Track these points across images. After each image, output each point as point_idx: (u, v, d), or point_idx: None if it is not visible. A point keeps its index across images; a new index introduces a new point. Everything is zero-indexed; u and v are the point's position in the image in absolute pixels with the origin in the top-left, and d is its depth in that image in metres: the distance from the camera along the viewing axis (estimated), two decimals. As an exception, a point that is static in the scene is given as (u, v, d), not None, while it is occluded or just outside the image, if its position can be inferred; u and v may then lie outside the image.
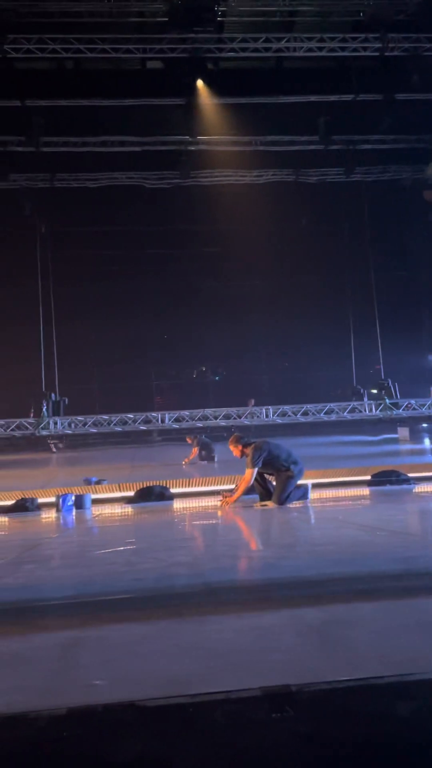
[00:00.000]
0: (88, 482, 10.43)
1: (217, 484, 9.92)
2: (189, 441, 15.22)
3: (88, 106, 16.15)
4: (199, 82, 15.80)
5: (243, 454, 7.83)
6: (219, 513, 7.56)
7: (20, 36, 14.32)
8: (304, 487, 8.03)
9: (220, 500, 8.10)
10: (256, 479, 7.88)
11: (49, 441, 18.56)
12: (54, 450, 18.64)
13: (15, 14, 14.03)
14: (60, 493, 8.96)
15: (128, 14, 14.64)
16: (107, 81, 15.99)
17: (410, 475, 9.81)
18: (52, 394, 19.01)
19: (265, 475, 7.93)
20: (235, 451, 7.98)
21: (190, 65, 15.24)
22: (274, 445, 7.91)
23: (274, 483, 7.81)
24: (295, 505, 7.72)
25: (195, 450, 14.49)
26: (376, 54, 15.14)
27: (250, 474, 7.65)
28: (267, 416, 19.06)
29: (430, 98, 16.44)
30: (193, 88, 15.77)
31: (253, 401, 19.34)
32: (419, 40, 15.00)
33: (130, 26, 15.00)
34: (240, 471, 10.20)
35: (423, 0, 14.37)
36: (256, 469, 7.64)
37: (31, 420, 18.39)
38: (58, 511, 8.58)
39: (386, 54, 15.05)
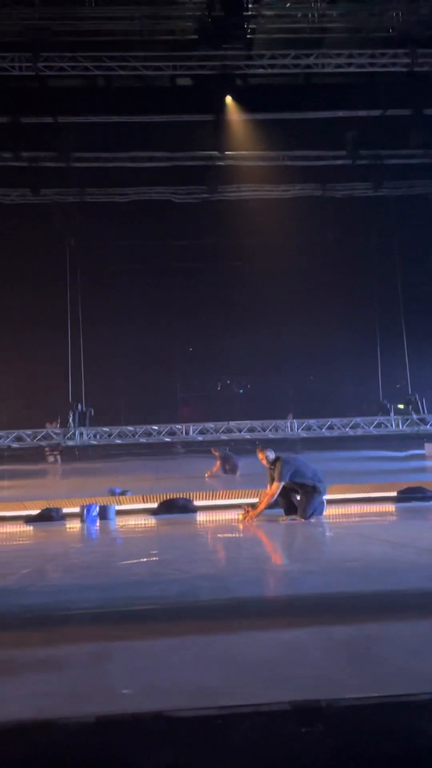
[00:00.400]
0: (112, 493, 10.45)
1: (240, 497, 9.87)
2: (215, 453, 15.21)
3: (118, 122, 16.41)
4: (228, 99, 15.95)
5: (270, 464, 7.82)
6: (240, 526, 7.52)
7: (53, 54, 14.64)
8: (323, 502, 7.96)
9: (242, 513, 8.07)
10: (280, 493, 7.85)
11: (46, 451, 18.49)
12: (51, 460, 18.53)
13: (50, 33, 14.38)
14: (84, 504, 9.00)
15: (159, 32, 14.88)
16: (137, 98, 16.24)
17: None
18: (79, 405, 19.18)
19: (290, 489, 7.90)
20: (263, 460, 7.98)
21: (219, 82, 15.41)
22: (301, 462, 7.89)
23: (298, 497, 7.77)
24: (317, 519, 7.66)
25: (218, 463, 14.47)
26: (405, 69, 15.15)
27: (276, 487, 7.62)
28: (292, 430, 18.96)
29: (459, 113, 16.38)
30: (221, 104, 15.93)
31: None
32: (448, 55, 14.99)
33: (160, 44, 15.23)
34: (262, 484, 10.15)
35: (453, 16, 14.38)
36: (282, 483, 7.61)
37: (57, 430, 18.55)
38: (82, 521, 8.62)
39: (415, 69, 15.05)
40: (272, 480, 7.74)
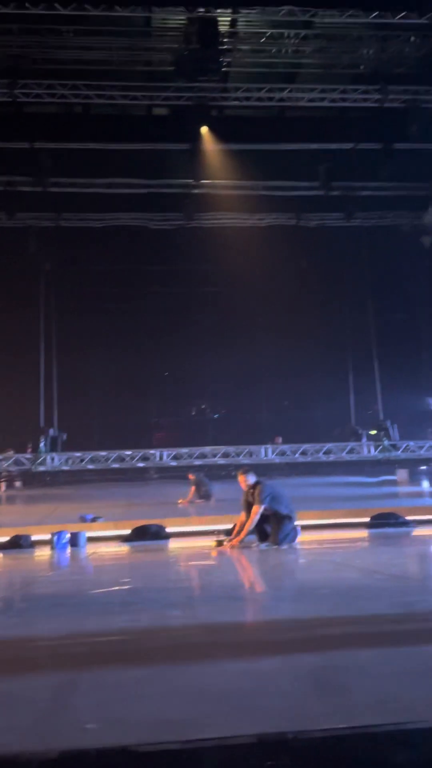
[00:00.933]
0: (83, 520, 10.31)
1: (213, 524, 9.81)
2: (190, 478, 15.11)
3: (95, 149, 16.57)
4: (204, 129, 16.23)
5: (249, 488, 7.84)
6: (213, 553, 7.48)
7: (31, 81, 14.79)
8: (296, 529, 7.96)
9: (215, 540, 8.02)
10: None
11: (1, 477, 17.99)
12: (4, 489, 18.06)
13: (28, 60, 14.54)
14: (55, 531, 8.86)
15: (136, 63, 15.15)
16: (114, 126, 16.44)
17: (409, 517, 9.71)
18: (51, 430, 18.96)
19: (262, 515, 7.89)
20: (243, 483, 8.00)
21: (195, 112, 15.69)
22: (277, 487, 7.91)
23: (270, 524, 7.76)
24: (289, 546, 7.65)
25: (193, 488, 14.38)
26: (376, 105, 15.62)
27: (257, 511, 7.64)
28: (266, 455, 18.98)
29: (428, 147, 16.88)
30: (197, 134, 16.20)
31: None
32: (417, 92, 15.49)
33: (137, 74, 15.50)
34: (236, 510, 10.12)
35: (421, 54, 14.91)
36: (263, 506, 7.63)
37: (28, 455, 18.29)
38: (52, 548, 8.47)
39: (385, 105, 15.53)
40: (248, 504, 7.73)
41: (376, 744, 1.75)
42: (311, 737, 1.72)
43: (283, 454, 18.82)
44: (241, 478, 8.02)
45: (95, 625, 3.71)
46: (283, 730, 1.78)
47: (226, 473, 18.45)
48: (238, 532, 7.85)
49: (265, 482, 7.83)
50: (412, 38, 14.80)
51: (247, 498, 7.74)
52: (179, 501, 14.12)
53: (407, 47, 14.95)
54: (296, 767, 1.61)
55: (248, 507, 7.73)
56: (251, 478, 7.88)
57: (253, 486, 7.77)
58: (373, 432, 19.35)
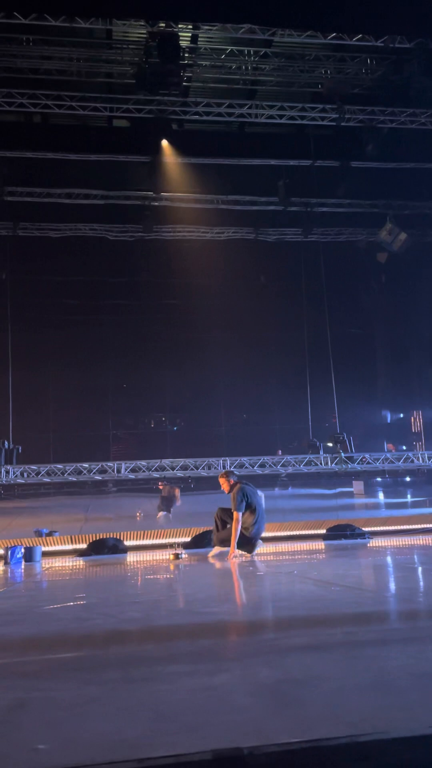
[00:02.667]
0: (38, 534, 10.12)
1: (171, 537, 9.75)
2: (161, 486, 15.01)
3: (54, 159, 16.45)
4: (164, 142, 16.32)
5: (229, 490, 7.87)
6: (171, 567, 7.42)
7: (-11, 89, 14.61)
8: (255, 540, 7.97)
9: (173, 554, 7.97)
10: (216, 524, 7.91)
11: None
12: None
13: (-15, 69, 14.37)
14: (8, 545, 8.67)
15: (97, 74, 15.15)
16: (74, 136, 16.37)
17: (365, 529, 9.85)
18: (5, 442, 18.55)
19: (225, 521, 7.92)
20: (224, 485, 8.01)
21: (156, 125, 15.77)
22: (251, 491, 7.92)
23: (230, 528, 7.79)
24: (246, 557, 7.65)
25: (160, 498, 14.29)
26: (333, 123, 15.97)
27: (236, 517, 7.66)
28: (223, 467, 18.97)
29: (384, 166, 17.34)
30: (157, 146, 16.28)
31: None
32: (373, 112, 15.91)
33: (98, 85, 15.49)
34: (195, 523, 10.09)
35: (377, 76, 15.33)
36: (240, 513, 7.66)
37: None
38: (6, 563, 8.28)
39: (342, 124, 15.89)
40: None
41: (332, 757, 1.75)
42: (267, 752, 1.70)
43: (241, 466, 18.85)
44: (222, 480, 8.07)
45: (48, 641, 3.62)
46: (239, 745, 1.76)
47: (185, 485, 18.38)
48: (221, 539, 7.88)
49: (242, 487, 7.86)
50: (369, 60, 15.23)
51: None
52: (138, 514, 14.00)
53: (364, 68, 15.36)
54: (252, 783, 1.59)
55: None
56: (230, 479, 7.96)
57: (231, 488, 7.83)
58: (330, 444, 19.59)
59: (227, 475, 8.15)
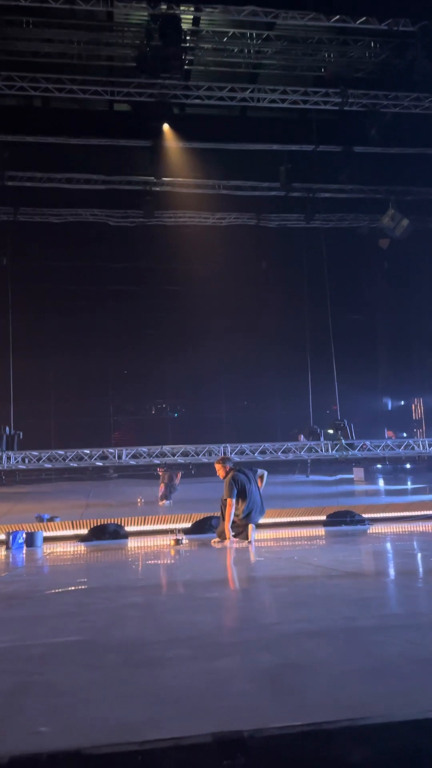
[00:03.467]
0: (40, 519, 10.17)
1: (172, 522, 9.79)
2: (159, 472, 15.06)
3: (55, 143, 16.32)
4: (165, 126, 16.17)
5: (224, 477, 7.93)
6: (172, 552, 7.46)
7: (-11, 73, 14.46)
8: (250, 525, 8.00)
9: (174, 539, 8.01)
10: (221, 512, 7.96)
11: None
12: None
13: (-15, 51, 14.22)
14: (10, 531, 8.71)
15: (98, 57, 14.98)
16: (75, 120, 16.23)
17: (365, 515, 9.88)
18: (6, 428, 18.58)
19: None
20: (220, 471, 8.06)
21: (157, 109, 15.62)
22: (245, 479, 7.93)
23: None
24: (243, 544, 7.68)
25: (162, 485, 14.33)
26: (336, 108, 15.82)
27: (229, 504, 7.71)
28: (224, 454, 19.01)
29: (387, 152, 17.19)
30: (159, 131, 16.13)
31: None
32: (377, 96, 15.75)
33: (98, 69, 15.32)
34: (195, 509, 10.13)
35: (380, 60, 15.16)
36: (233, 500, 7.71)
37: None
38: (7, 548, 8.33)
39: (345, 108, 15.74)
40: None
41: (331, 740, 1.76)
42: (267, 735, 1.71)
43: (242, 453, 18.90)
44: (218, 467, 8.11)
45: (50, 626, 3.64)
46: (239, 728, 1.77)
47: (186, 472, 18.43)
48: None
49: (235, 476, 7.88)
50: (372, 44, 15.05)
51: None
52: (138, 500, 14.05)
53: (367, 52, 15.19)
54: (252, 765, 1.60)
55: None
56: (226, 465, 8.00)
57: (226, 475, 7.87)
58: (331, 431, 19.62)
59: (223, 461, 8.20)
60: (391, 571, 5.72)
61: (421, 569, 5.68)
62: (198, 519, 9.55)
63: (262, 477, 8.19)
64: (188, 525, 9.47)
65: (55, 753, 1.69)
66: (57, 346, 20.79)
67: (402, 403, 23.64)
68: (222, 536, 7.85)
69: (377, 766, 1.59)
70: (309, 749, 1.70)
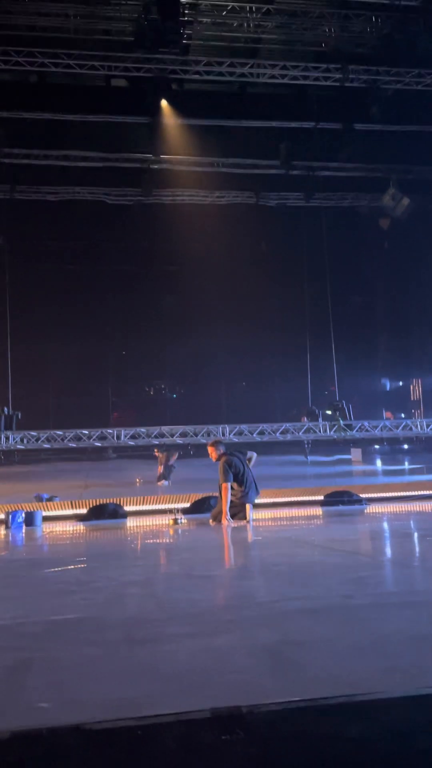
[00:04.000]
0: (39, 499, 10.20)
1: (171, 502, 9.84)
2: (157, 454, 15.09)
3: (51, 119, 16.08)
4: (164, 102, 15.93)
5: (218, 460, 7.96)
6: (171, 532, 7.51)
7: (-17, 47, 14.21)
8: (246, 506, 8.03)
9: (172, 519, 8.06)
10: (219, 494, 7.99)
11: None
12: None
13: (-21, 25, 13.94)
14: (9, 510, 8.75)
15: (94, 32, 14.70)
16: (71, 96, 15.96)
17: (362, 495, 9.93)
18: (5, 408, 18.58)
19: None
20: (212, 453, 8.10)
21: (155, 85, 15.37)
22: (238, 462, 7.96)
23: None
24: (242, 523, 7.72)
25: (160, 468, 14.36)
26: (337, 84, 15.57)
27: (224, 488, 7.75)
28: (224, 434, 19.06)
29: (388, 129, 16.97)
30: (157, 107, 15.88)
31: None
32: (378, 72, 15.51)
33: (95, 43, 15.04)
34: (193, 489, 10.18)
35: (382, 35, 14.89)
36: (228, 483, 7.75)
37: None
38: (7, 528, 8.37)
39: (346, 84, 15.49)
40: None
41: (329, 716, 1.78)
42: (265, 711, 1.73)
43: (240, 434, 18.95)
44: (210, 449, 8.14)
45: (50, 604, 3.67)
46: (239, 704, 1.79)
47: (185, 452, 18.49)
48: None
49: (228, 460, 7.90)
50: (374, 18, 14.78)
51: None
52: (137, 480, 14.10)
53: (368, 27, 14.92)
54: (250, 740, 1.62)
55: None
56: (220, 449, 8.02)
57: (218, 459, 7.89)
58: (329, 412, 19.65)
59: (215, 444, 8.20)
60: (388, 551, 5.77)
61: (417, 548, 5.72)
62: (197, 499, 9.59)
63: (250, 459, 8.23)
64: (187, 505, 9.52)
65: (56, 728, 1.71)
66: (55, 326, 20.70)
67: (400, 384, 23.67)
68: (217, 518, 7.89)
69: (373, 741, 1.61)
70: (307, 724, 1.72)
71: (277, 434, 19.05)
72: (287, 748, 1.56)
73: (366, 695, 1.86)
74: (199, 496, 9.67)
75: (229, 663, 2.29)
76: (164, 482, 13.74)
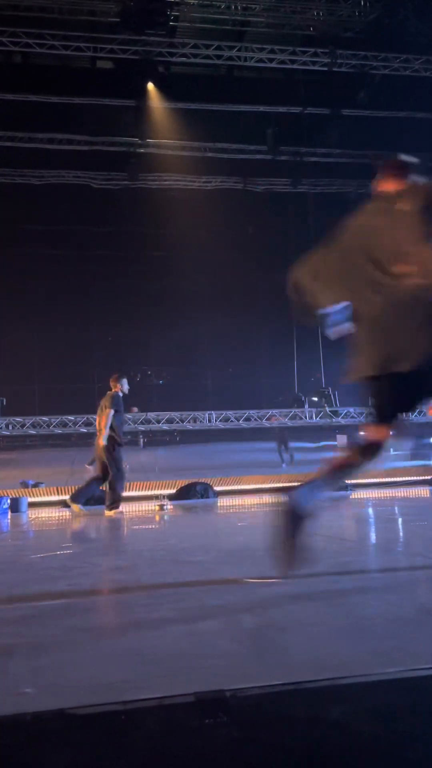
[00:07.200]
0: (25, 485, 10.19)
1: (155, 489, 9.86)
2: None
3: (36, 101, 15.86)
4: (150, 85, 15.76)
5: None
6: (156, 518, 7.52)
7: (-35, 26, 13.94)
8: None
9: (158, 505, 8.08)
10: (106, 448, 7.95)
11: None
12: None
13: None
14: (-5, 496, 8.71)
15: (79, 12, 14.48)
16: (56, 77, 15.75)
17: (347, 481, 10.00)
18: (-10, 394, 18.48)
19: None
20: (114, 387, 8.25)
21: (141, 67, 15.21)
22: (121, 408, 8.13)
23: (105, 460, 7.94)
24: (230, 510, 7.75)
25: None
26: (324, 69, 15.49)
27: (108, 413, 7.84)
28: (210, 421, 19.09)
29: (375, 115, 16.93)
30: (143, 90, 15.73)
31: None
32: (366, 57, 15.44)
33: (80, 24, 14.82)
34: (178, 476, 10.22)
35: (371, 19, 14.81)
36: (112, 411, 7.88)
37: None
38: (-8, 514, 8.34)
39: (334, 69, 15.42)
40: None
41: (313, 699, 1.79)
42: (248, 694, 1.74)
43: (227, 420, 18.98)
44: (112, 382, 8.25)
45: (34, 589, 3.67)
46: (222, 688, 1.80)
47: (171, 439, 18.50)
48: None
49: (114, 395, 8.05)
50: (362, 2, 14.69)
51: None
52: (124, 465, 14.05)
53: (357, 11, 14.83)
54: (234, 724, 1.63)
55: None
56: (123, 385, 8.14)
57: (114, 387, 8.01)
58: (315, 398, 19.73)
59: (116, 379, 8.25)
60: (372, 536, 5.82)
61: (400, 533, 5.78)
62: (182, 485, 9.61)
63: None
64: (173, 491, 9.54)
65: (39, 713, 1.71)
66: (40, 311, 20.54)
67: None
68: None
69: (357, 724, 1.63)
70: (289, 707, 1.73)
71: (264, 421, 19.11)
72: (270, 730, 1.57)
73: (349, 678, 1.88)
74: (184, 482, 9.69)
75: (213, 647, 2.30)
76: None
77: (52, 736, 1.60)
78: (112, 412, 7.79)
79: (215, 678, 1.91)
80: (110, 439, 7.83)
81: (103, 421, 7.82)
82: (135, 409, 18.74)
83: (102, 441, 7.75)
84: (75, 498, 7.95)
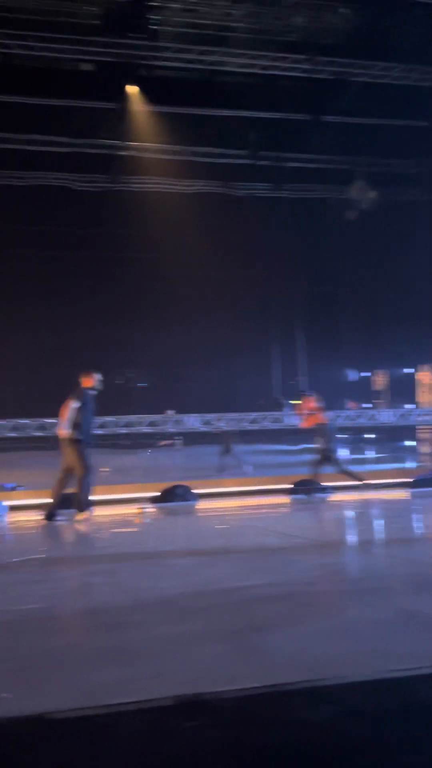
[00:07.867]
0: (3, 488, 10.08)
1: (138, 491, 9.81)
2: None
3: (16, 102, 15.74)
4: (132, 88, 15.73)
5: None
6: (137, 521, 7.50)
7: None
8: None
9: (139, 508, 8.05)
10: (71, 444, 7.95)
11: None
12: None
13: None
14: (-27, 500, 8.61)
15: (61, 13, 14.40)
16: (37, 79, 15.64)
17: (326, 484, 10.06)
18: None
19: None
20: (84, 382, 8.27)
21: (123, 70, 15.16)
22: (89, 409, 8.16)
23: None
24: (211, 513, 7.75)
25: None
26: (305, 75, 15.57)
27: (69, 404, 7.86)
28: (191, 424, 19.08)
29: (356, 121, 17.07)
30: (125, 93, 15.69)
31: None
32: (347, 64, 15.56)
33: (62, 26, 14.75)
34: (160, 478, 10.19)
35: (351, 27, 14.94)
36: (76, 404, 7.91)
37: None
38: (-29, 518, 8.24)
39: (315, 76, 15.51)
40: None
41: (292, 701, 1.81)
42: (228, 697, 1.75)
43: (208, 423, 18.99)
44: (83, 377, 8.26)
45: (14, 594, 3.64)
46: (202, 691, 1.81)
47: (153, 442, 18.46)
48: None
49: (81, 392, 8.08)
50: (342, 10, 14.80)
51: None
52: (105, 468, 14.01)
53: (337, 18, 14.95)
54: (214, 726, 1.64)
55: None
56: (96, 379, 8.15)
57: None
58: (294, 402, 19.83)
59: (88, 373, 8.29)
60: (350, 539, 5.87)
61: (377, 537, 5.83)
62: (164, 488, 9.59)
63: None
64: (155, 494, 9.51)
65: (17, 717, 1.71)
66: (20, 312, 20.35)
67: (363, 374, 23.96)
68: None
69: (339, 725, 1.65)
70: (271, 709, 1.75)
71: (244, 423, 19.15)
72: (251, 733, 1.59)
73: (328, 680, 1.90)
74: (168, 485, 9.67)
75: (195, 649, 2.31)
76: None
77: (32, 741, 1.60)
78: (74, 404, 7.78)
79: (197, 680, 1.92)
80: (74, 435, 7.83)
81: (65, 413, 7.84)
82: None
83: (63, 430, 7.77)
84: (81, 508, 7.84)
